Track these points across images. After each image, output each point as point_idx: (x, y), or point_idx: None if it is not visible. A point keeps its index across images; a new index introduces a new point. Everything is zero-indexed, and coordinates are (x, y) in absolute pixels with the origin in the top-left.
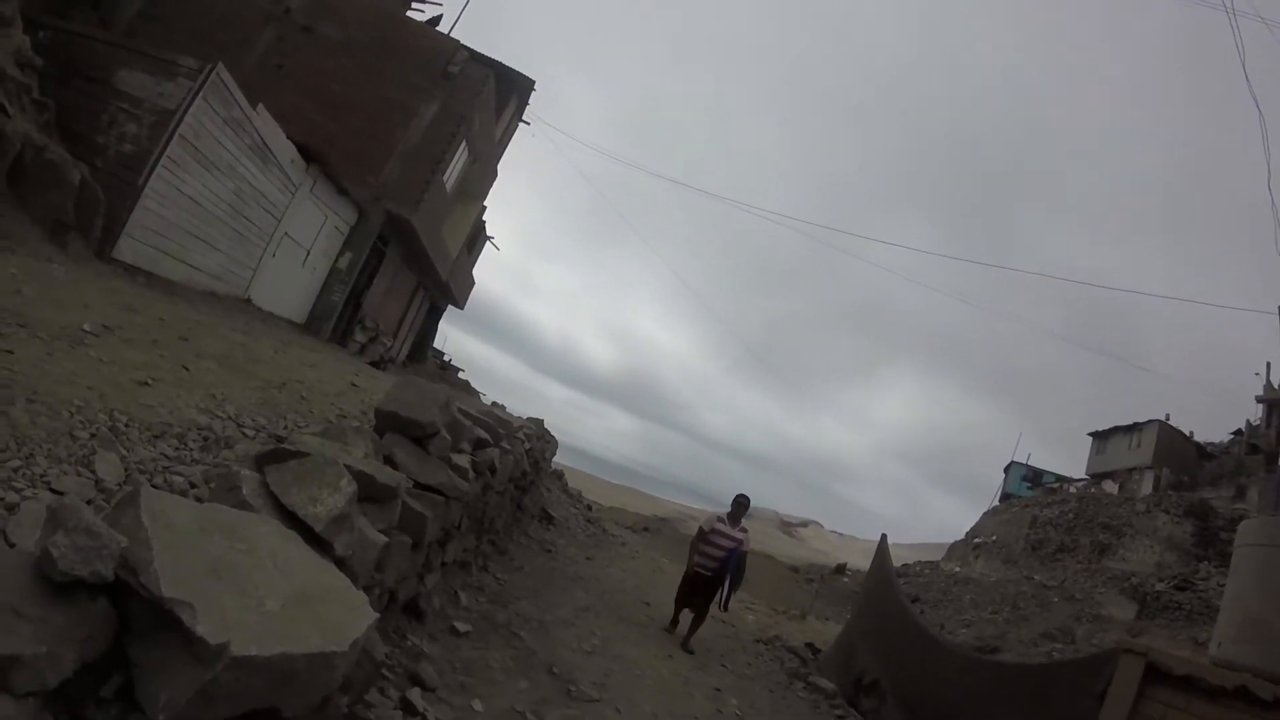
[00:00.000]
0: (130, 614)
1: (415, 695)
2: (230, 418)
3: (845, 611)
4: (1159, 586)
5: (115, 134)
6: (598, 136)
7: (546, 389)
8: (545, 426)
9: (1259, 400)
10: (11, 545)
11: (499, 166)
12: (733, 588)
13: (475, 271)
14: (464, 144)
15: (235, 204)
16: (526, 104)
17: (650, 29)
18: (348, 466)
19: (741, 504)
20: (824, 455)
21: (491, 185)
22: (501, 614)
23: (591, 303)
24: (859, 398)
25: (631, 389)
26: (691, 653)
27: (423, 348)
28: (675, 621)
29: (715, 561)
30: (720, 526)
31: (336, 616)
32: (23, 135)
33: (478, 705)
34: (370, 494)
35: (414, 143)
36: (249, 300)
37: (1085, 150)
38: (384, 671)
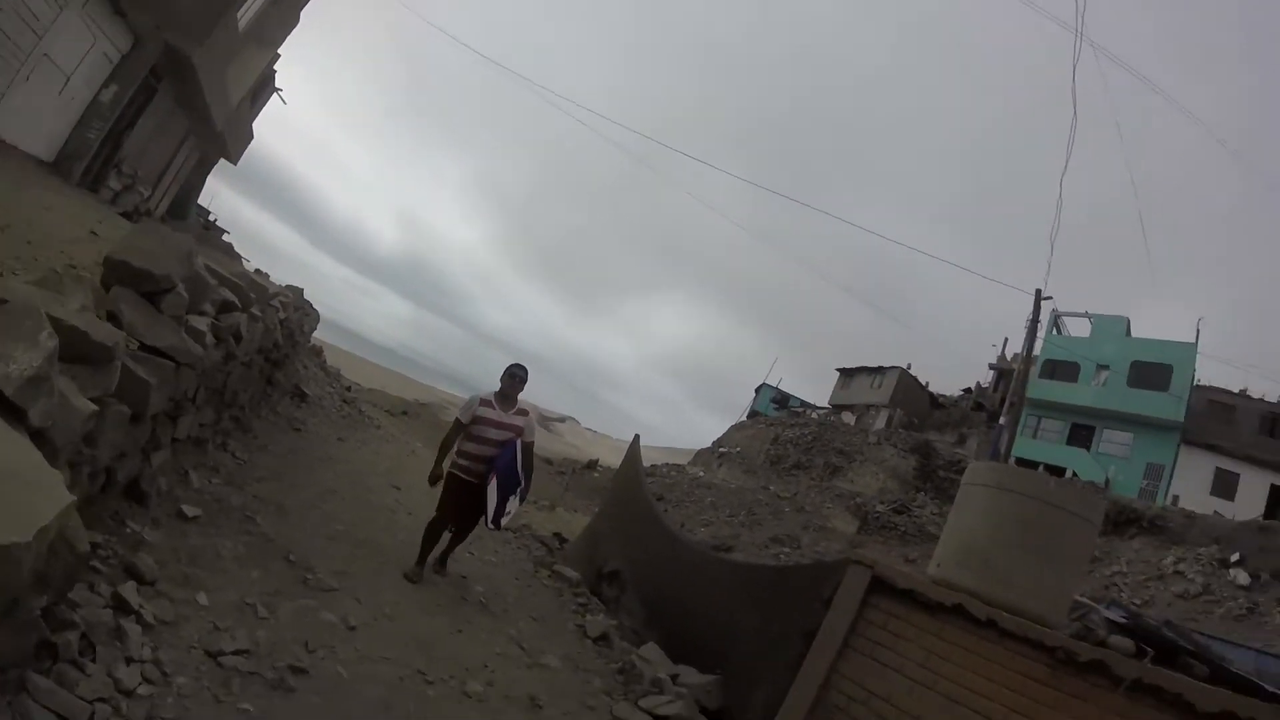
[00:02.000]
0: None
1: (129, 590)
2: None
3: (594, 505)
4: (880, 508)
5: None
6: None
7: (322, 265)
8: (305, 298)
9: (991, 367)
10: None
11: (303, 13)
12: (516, 494)
13: (257, 126)
14: None
15: None
16: None
17: None
18: (53, 319)
19: (517, 377)
20: (595, 361)
21: (291, 32)
22: (237, 497)
23: (386, 182)
24: (638, 311)
25: (413, 275)
26: (445, 576)
27: (185, 203)
28: (423, 559)
29: (483, 463)
30: (489, 413)
31: (23, 501)
32: None
33: (203, 598)
34: (82, 354)
35: None
36: None
37: (905, 125)
38: (95, 564)
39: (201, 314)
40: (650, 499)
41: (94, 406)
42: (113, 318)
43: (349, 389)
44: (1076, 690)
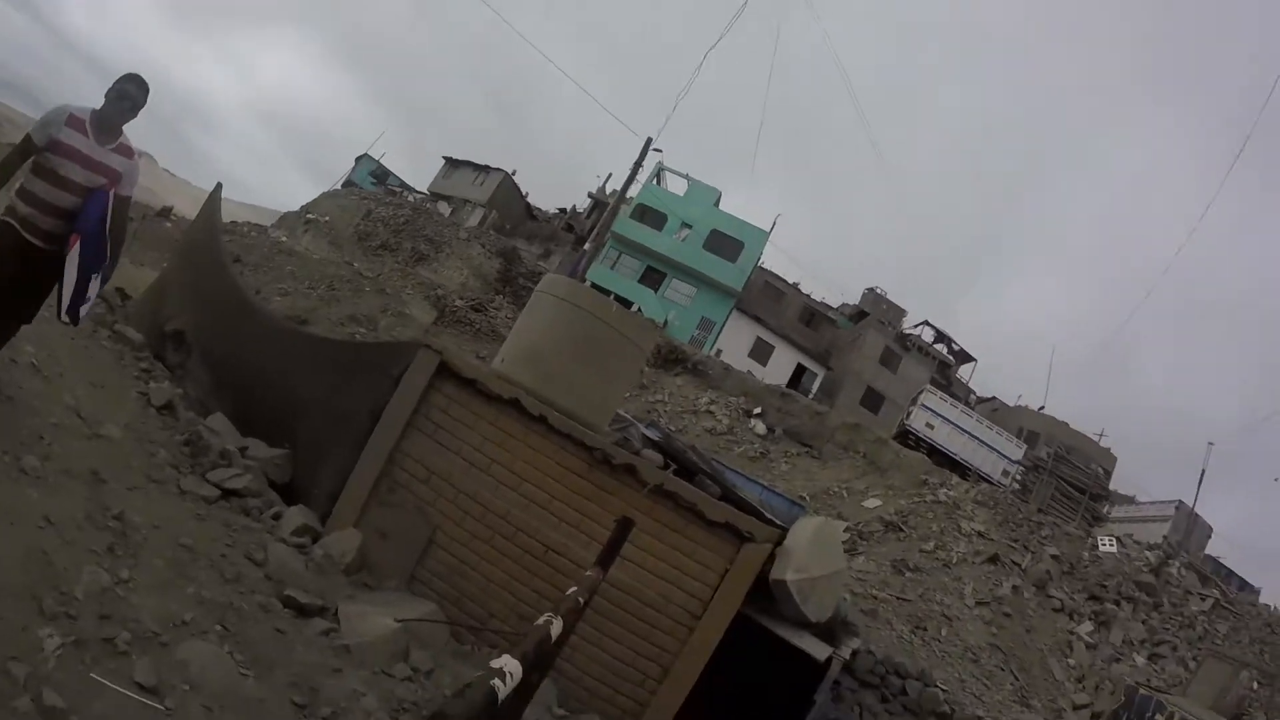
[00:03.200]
0: None
1: None
2: None
3: (163, 259)
4: (459, 303)
5: None
6: None
7: None
8: None
9: (589, 195)
10: None
11: None
12: (99, 274)
13: None
14: None
15: None
16: None
17: None
18: None
19: (129, 98)
20: (187, 90)
21: None
22: None
23: None
24: (246, 43)
25: None
26: None
27: None
28: None
29: (58, 218)
30: (78, 141)
31: None
32: None
33: None
34: None
35: None
36: None
37: None
38: None
39: None
40: (225, 258)
41: None
42: None
43: None
44: (610, 487)
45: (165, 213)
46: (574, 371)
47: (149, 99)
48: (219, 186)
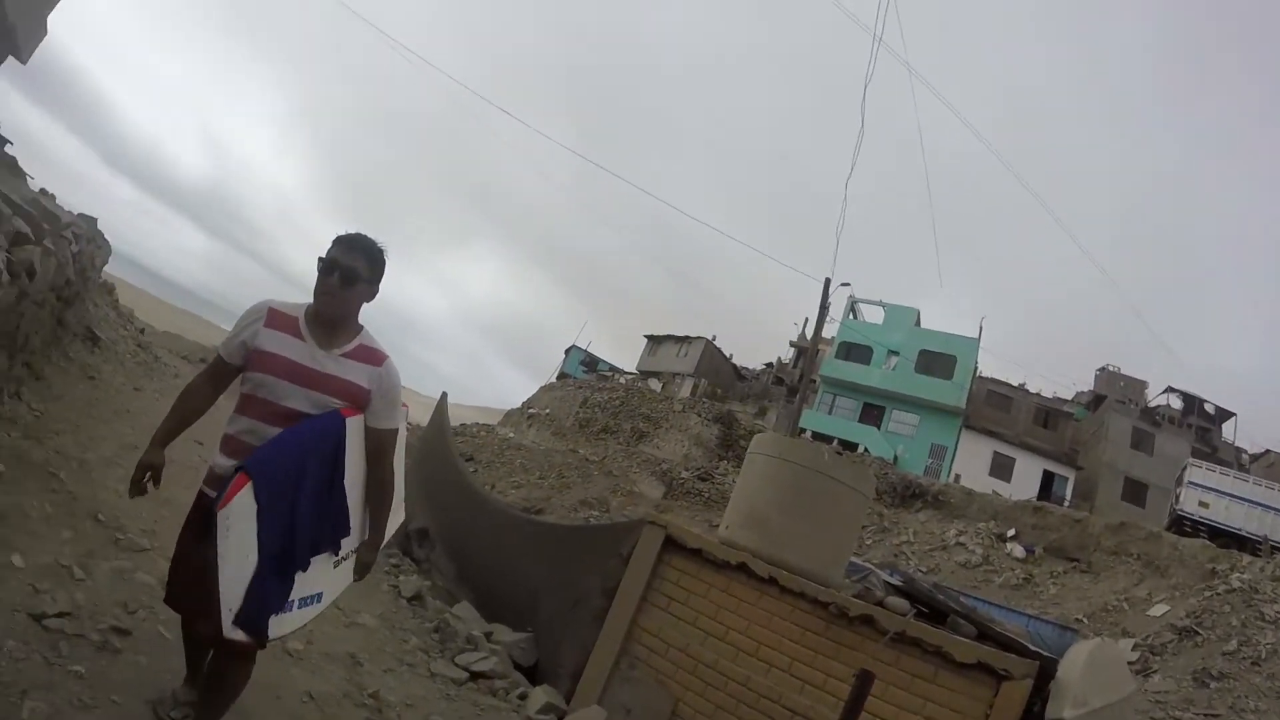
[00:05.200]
0: None
1: None
2: None
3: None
4: (684, 474)
5: None
6: None
7: (114, 186)
8: (99, 228)
9: (792, 345)
10: None
11: None
12: (339, 552)
13: (53, 20)
14: None
15: None
16: None
17: None
18: None
19: (344, 270)
20: (405, 311)
21: None
22: (38, 451)
23: (193, 100)
24: (452, 263)
25: (215, 206)
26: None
27: None
28: (192, 676)
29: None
30: (283, 346)
31: None
32: None
33: (17, 560)
34: None
35: None
36: None
37: (711, 109)
38: None
39: None
40: (457, 459)
41: None
42: None
43: (142, 331)
44: (850, 641)
45: None
46: (796, 527)
47: (384, 272)
48: (444, 395)
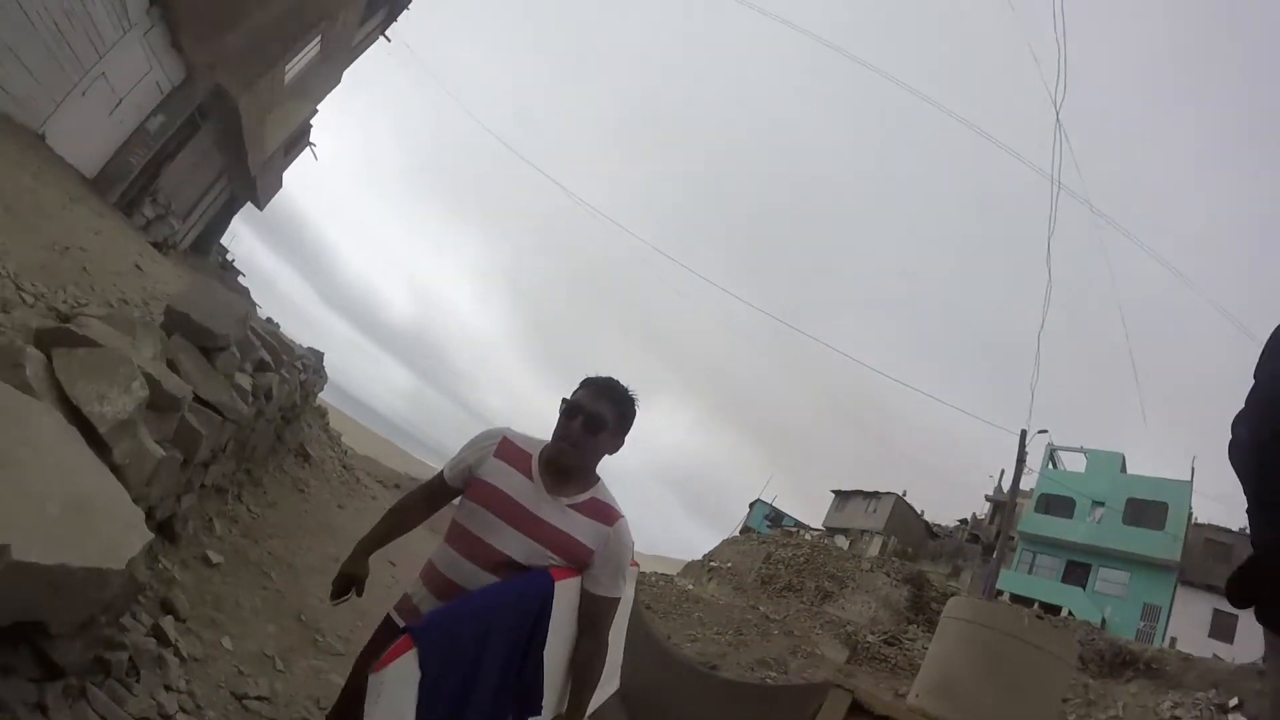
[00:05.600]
0: None
1: (168, 624)
2: (9, 275)
3: None
4: (870, 638)
5: None
6: (469, 92)
7: (330, 322)
8: (324, 362)
9: (988, 499)
10: None
11: (345, 74)
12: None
13: (287, 176)
14: (318, 39)
15: (61, 23)
16: (395, 20)
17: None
18: (140, 369)
19: (587, 413)
20: None
21: (331, 90)
22: (254, 550)
23: (405, 251)
24: (640, 414)
25: (419, 346)
26: None
27: (209, 239)
28: None
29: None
30: (507, 480)
31: (113, 531)
32: None
33: (227, 643)
34: (153, 401)
35: (269, 19)
36: (42, 136)
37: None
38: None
39: (243, 371)
40: (640, 608)
41: (163, 452)
42: (171, 365)
43: (346, 454)
44: None
45: None
46: (993, 698)
47: (632, 423)
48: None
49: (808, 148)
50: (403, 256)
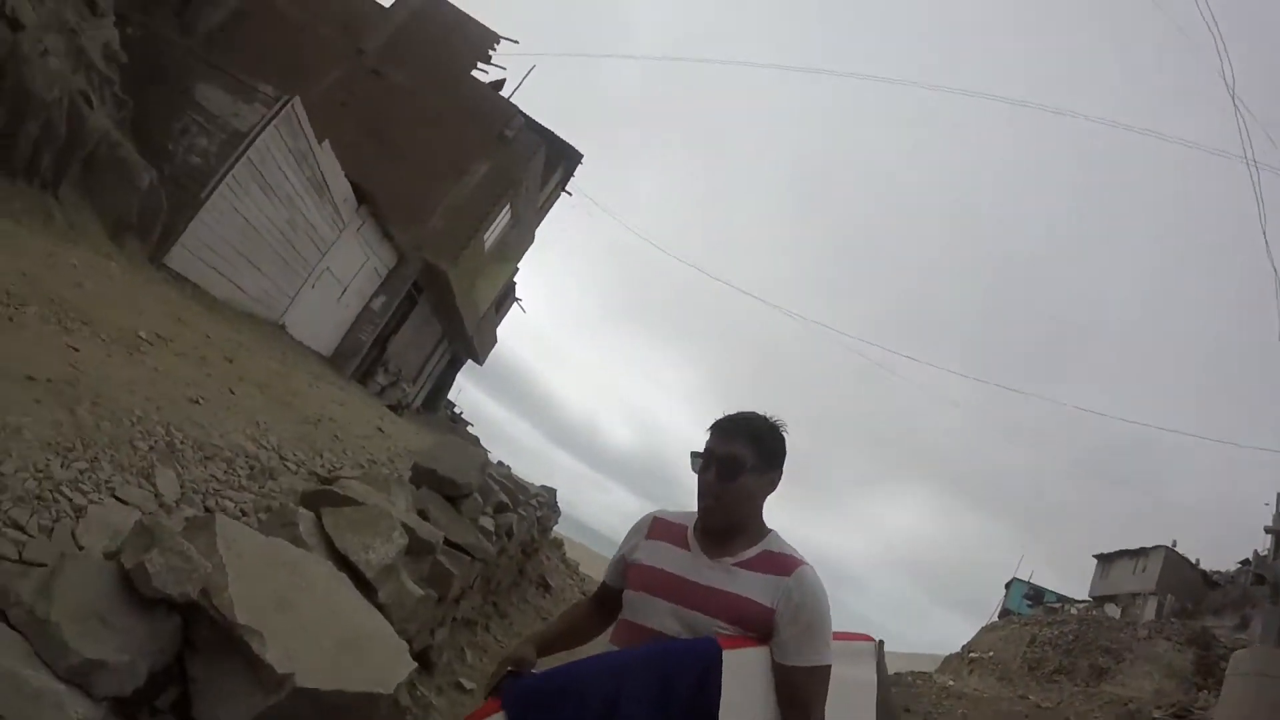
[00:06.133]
0: (195, 633)
1: None
2: (273, 448)
3: None
4: (1157, 714)
5: (186, 144)
6: (643, 222)
7: (557, 458)
8: (556, 498)
9: (1267, 530)
10: (80, 548)
11: (537, 232)
12: None
13: (500, 331)
14: (508, 206)
15: (286, 232)
16: (572, 175)
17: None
18: (398, 520)
19: (733, 461)
20: (828, 561)
21: (527, 249)
22: None
23: (615, 381)
24: (867, 508)
25: (644, 470)
26: None
27: (438, 397)
28: None
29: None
30: (661, 557)
31: (381, 660)
32: (101, 130)
33: None
34: (410, 547)
35: (462, 198)
36: (283, 327)
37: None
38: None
39: (485, 514)
40: (896, 710)
41: (420, 591)
42: (422, 515)
43: (584, 581)
44: None
45: None
46: None
47: (782, 452)
48: (880, 644)
49: (1015, 213)
50: (617, 387)
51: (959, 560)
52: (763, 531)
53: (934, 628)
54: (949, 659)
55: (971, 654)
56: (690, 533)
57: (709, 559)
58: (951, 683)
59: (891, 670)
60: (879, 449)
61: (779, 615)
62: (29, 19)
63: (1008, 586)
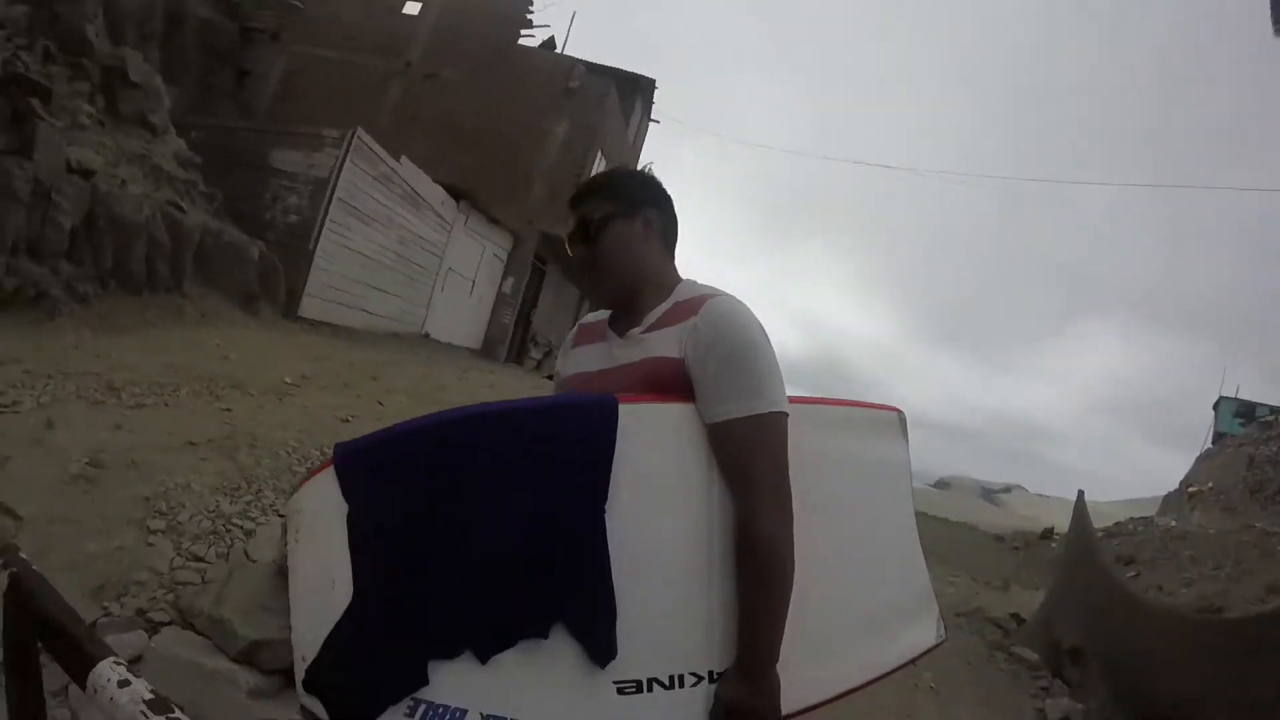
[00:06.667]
0: None
1: None
2: None
3: (1051, 579)
4: None
5: (280, 208)
6: (756, 133)
7: None
8: None
9: None
10: (253, 561)
11: (639, 167)
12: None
13: None
14: (599, 153)
15: (399, 250)
16: (652, 103)
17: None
18: None
19: (583, 222)
20: (1021, 418)
21: None
22: None
23: (770, 294)
24: (1052, 356)
25: (821, 371)
26: None
27: None
28: None
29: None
30: (590, 351)
31: None
32: (200, 225)
33: None
34: None
35: (552, 162)
36: (427, 335)
37: None
38: None
39: None
40: (1107, 563)
41: None
42: None
43: None
44: None
45: (1047, 535)
46: None
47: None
48: (1080, 494)
49: None
50: (772, 299)
51: (1163, 391)
52: (670, 284)
53: (1150, 468)
54: (1168, 497)
55: (1190, 488)
56: (607, 325)
57: (622, 340)
58: (1174, 523)
59: (1110, 520)
60: (1050, 291)
61: (688, 362)
62: (95, 163)
63: (1215, 407)
